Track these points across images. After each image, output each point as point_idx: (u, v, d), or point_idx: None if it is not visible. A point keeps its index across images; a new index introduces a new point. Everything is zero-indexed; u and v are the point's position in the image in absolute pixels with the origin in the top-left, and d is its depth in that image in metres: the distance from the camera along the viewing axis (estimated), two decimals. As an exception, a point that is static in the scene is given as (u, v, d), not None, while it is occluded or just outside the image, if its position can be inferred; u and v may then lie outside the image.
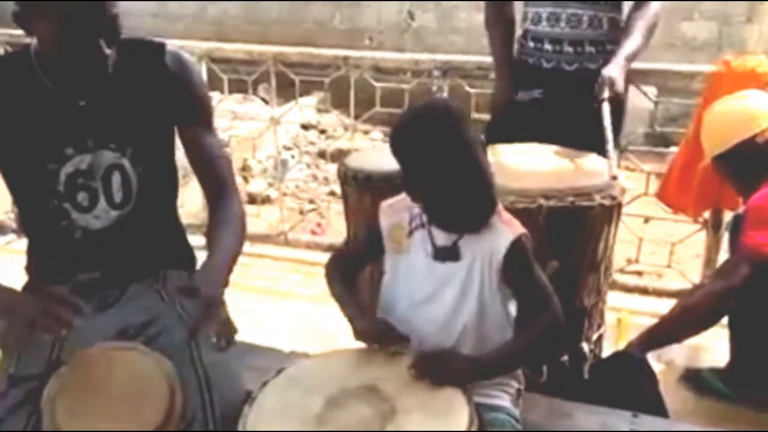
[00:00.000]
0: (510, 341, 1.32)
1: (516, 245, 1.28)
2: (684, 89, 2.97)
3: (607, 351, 2.24)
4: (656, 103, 3.08)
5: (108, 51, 1.36)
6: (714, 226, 2.84)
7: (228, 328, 1.35)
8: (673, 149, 2.79)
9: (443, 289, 1.26)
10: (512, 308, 1.36)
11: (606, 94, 2.09)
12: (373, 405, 1.16)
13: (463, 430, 1.11)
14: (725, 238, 2.44)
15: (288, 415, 1.17)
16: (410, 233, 1.34)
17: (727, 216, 2.67)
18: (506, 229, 1.29)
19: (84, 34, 1.31)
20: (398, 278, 1.37)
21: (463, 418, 1.13)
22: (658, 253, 3.32)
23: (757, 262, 1.91)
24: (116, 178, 1.47)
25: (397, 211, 1.36)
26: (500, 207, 1.34)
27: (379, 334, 1.30)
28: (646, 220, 3.29)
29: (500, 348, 1.30)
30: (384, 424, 1.12)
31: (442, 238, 1.31)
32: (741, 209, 2.06)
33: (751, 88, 2.49)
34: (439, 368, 1.23)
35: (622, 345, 2.35)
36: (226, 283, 1.33)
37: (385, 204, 1.39)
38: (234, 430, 1.17)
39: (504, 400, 1.35)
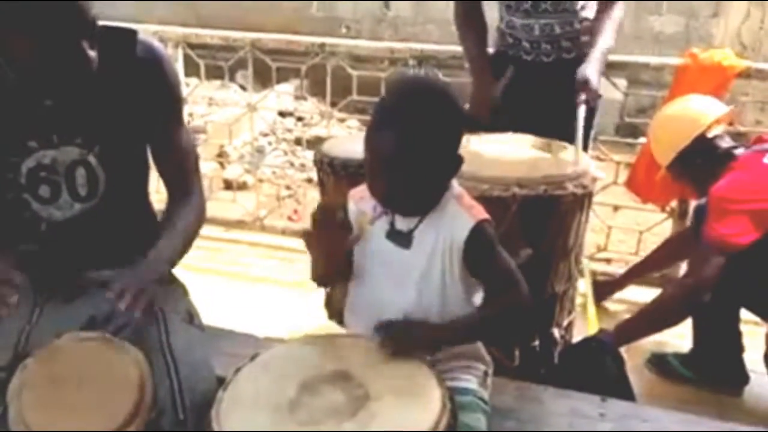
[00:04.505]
0: (473, 312, 1.31)
1: (476, 231, 1.25)
2: (653, 81, 3.03)
3: (577, 337, 2.29)
4: (626, 95, 3.13)
5: (91, 53, 1.29)
6: (680, 215, 2.91)
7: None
8: (642, 140, 2.84)
9: (404, 276, 1.25)
10: (477, 299, 1.36)
11: (583, 96, 2.12)
12: (346, 390, 1.17)
13: (436, 414, 1.11)
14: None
15: (261, 401, 1.17)
16: (373, 221, 1.33)
17: (693, 205, 2.73)
18: (467, 215, 1.27)
19: (64, 45, 1.25)
20: (364, 265, 1.37)
21: (436, 402, 1.14)
22: (627, 241, 3.39)
23: (726, 252, 1.97)
24: (81, 173, 1.42)
25: (363, 198, 1.35)
26: (462, 192, 1.32)
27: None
28: (616, 208, 3.35)
29: (462, 318, 1.29)
30: (357, 410, 1.13)
31: (402, 224, 1.30)
32: (703, 200, 2.13)
33: (717, 80, 2.57)
34: (401, 337, 1.23)
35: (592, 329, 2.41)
36: (156, 277, 1.37)
37: (354, 191, 1.38)
38: (206, 416, 1.16)
39: (471, 383, 1.36)
